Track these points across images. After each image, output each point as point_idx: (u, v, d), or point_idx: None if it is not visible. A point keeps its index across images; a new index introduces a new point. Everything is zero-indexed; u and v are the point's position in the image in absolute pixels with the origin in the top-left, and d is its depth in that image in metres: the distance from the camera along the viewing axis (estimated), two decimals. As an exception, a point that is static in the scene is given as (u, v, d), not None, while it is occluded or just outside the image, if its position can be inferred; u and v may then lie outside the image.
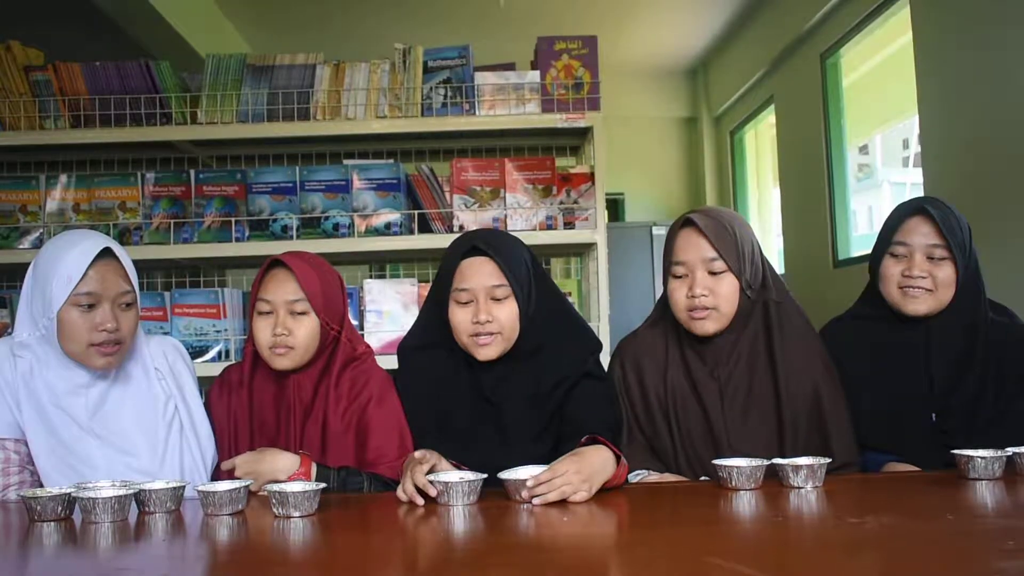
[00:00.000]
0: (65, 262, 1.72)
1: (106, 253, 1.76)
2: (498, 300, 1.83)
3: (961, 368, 1.91)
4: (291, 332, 1.84)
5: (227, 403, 1.92)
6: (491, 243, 1.85)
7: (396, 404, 1.90)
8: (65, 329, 1.73)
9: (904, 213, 1.96)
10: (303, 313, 1.86)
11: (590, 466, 1.57)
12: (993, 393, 1.90)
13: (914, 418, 1.92)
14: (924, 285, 1.90)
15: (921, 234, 1.91)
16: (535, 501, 1.51)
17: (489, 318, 1.81)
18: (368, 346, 2.01)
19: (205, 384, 2.02)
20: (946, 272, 1.90)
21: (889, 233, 1.96)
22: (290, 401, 1.88)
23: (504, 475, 1.58)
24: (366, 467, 1.82)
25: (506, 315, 1.83)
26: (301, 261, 1.88)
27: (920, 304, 1.91)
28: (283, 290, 1.86)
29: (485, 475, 1.59)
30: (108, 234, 3.03)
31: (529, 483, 1.52)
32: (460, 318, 1.83)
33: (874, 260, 2.00)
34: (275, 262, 1.88)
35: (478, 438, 1.83)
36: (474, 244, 1.85)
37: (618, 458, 1.65)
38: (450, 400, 1.88)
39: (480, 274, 1.83)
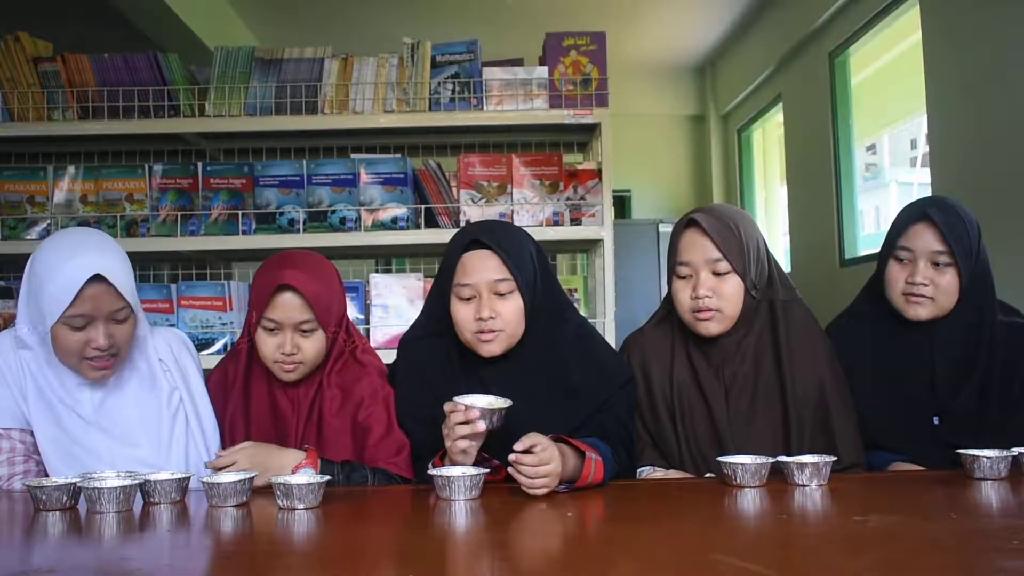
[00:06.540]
0: (57, 279, 1.66)
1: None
2: (501, 295, 1.77)
3: (964, 370, 1.91)
4: (300, 349, 1.81)
5: (225, 397, 1.91)
6: (494, 235, 1.79)
7: (391, 398, 1.88)
8: (58, 344, 1.71)
9: (909, 218, 1.94)
10: (311, 330, 1.82)
11: (557, 467, 1.55)
12: (998, 396, 1.89)
13: (917, 420, 1.91)
14: (926, 293, 1.90)
15: (925, 240, 1.90)
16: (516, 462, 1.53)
17: (492, 314, 1.76)
18: (363, 338, 1.98)
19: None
20: (949, 279, 1.89)
21: (895, 236, 1.95)
22: (288, 399, 1.87)
23: (465, 399, 1.59)
24: (366, 464, 1.81)
25: (510, 310, 1.77)
26: (307, 277, 1.80)
27: (922, 310, 1.91)
28: (291, 310, 1.79)
29: (487, 470, 1.58)
30: (115, 226, 3.06)
31: (516, 456, 1.52)
32: (463, 315, 1.78)
33: (881, 261, 2.00)
34: (281, 285, 1.79)
35: None
36: (476, 237, 1.80)
37: (582, 456, 1.62)
38: (449, 392, 1.80)
39: (482, 268, 1.77)
